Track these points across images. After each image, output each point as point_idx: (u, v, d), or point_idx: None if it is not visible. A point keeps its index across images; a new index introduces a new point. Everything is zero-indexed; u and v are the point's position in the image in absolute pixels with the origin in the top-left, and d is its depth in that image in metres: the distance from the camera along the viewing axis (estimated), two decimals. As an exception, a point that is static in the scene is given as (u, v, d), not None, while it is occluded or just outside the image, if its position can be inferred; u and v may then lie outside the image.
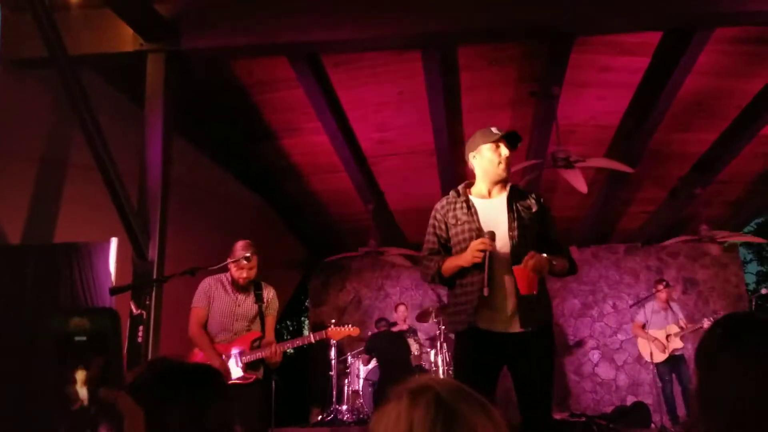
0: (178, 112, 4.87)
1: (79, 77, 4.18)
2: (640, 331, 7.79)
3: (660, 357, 7.53)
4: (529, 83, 6.04)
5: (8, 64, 4.67)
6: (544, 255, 2.84)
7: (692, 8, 4.46)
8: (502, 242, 2.93)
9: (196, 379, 1.52)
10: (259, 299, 4.47)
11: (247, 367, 4.32)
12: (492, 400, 2.86)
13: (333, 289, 10.93)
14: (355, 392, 8.15)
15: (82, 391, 2.31)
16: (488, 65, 5.81)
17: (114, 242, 4.43)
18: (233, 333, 4.37)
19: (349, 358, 8.42)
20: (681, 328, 7.55)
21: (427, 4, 4.57)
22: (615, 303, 10.33)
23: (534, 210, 3.06)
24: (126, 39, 4.63)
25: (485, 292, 2.81)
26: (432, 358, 8.13)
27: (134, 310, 3.96)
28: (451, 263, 3.00)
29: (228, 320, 4.38)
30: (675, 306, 7.95)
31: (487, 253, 2.83)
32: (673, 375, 7.54)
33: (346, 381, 8.31)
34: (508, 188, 3.12)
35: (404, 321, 8.57)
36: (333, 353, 8.74)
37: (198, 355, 4.36)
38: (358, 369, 8.17)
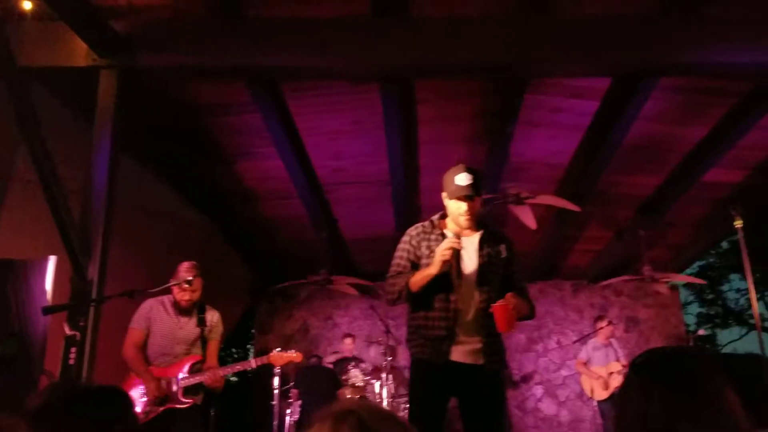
0: (129, 130, 4.78)
1: (27, 89, 4.07)
2: (583, 368, 7.89)
3: (602, 394, 7.62)
4: (483, 120, 6.14)
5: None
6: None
7: (639, 57, 4.60)
8: (469, 282, 3.06)
9: (100, 403, 1.46)
10: (201, 323, 4.39)
11: (186, 391, 4.21)
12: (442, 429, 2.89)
13: (280, 316, 10.77)
14: (297, 422, 7.99)
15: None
16: (446, 100, 5.90)
17: (52, 260, 4.28)
18: (173, 356, 4.28)
19: (292, 390, 8.28)
20: (623, 365, 7.66)
21: (387, 38, 4.61)
22: (559, 339, 10.45)
23: (503, 255, 3.17)
24: (79, 54, 4.53)
25: (453, 300, 2.99)
26: (377, 389, 8.05)
27: (67, 331, 3.82)
28: (420, 274, 3.04)
29: (168, 343, 4.28)
30: (615, 343, 8.08)
31: (454, 253, 2.95)
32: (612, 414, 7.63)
33: (288, 411, 8.15)
34: (480, 231, 3.20)
35: (350, 352, 8.50)
36: (276, 382, 8.57)
37: (133, 379, 4.23)
38: (300, 408, 8.02)
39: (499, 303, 2.89)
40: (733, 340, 31.05)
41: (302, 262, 9.20)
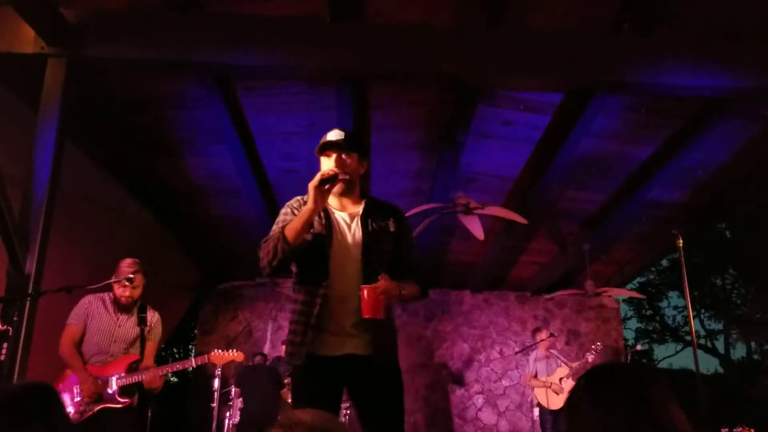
0: (76, 120, 4.65)
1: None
2: (534, 381, 7.91)
3: (558, 402, 7.65)
4: (437, 128, 6.19)
5: None
6: (395, 283, 2.61)
7: (589, 74, 4.70)
8: (351, 261, 2.71)
9: (26, 400, 1.41)
10: (141, 322, 4.31)
11: (122, 391, 4.12)
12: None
13: (224, 317, 10.61)
14: (237, 426, 7.88)
15: None
16: (399, 107, 5.92)
17: (-12, 251, 4.13)
18: (109, 355, 4.18)
19: (233, 390, 8.16)
20: (570, 367, 7.76)
21: (342, 40, 4.60)
22: (502, 349, 10.59)
23: (391, 230, 2.80)
24: (27, 40, 4.38)
25: (325, 285, 2.64)
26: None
27: (-1, 326, 3.69)
28: (297, 220, 2.62)
29: (105, 341, 4.18)
30: (556, 353, 8.21)
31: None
32: (554, 425, 7.71)
33: (228, 414, 8.03)
34: (363, 202, 2.85)
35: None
36: (216, 384, 8.43)
37: (69, 376, 4.12)
38: (241, 403, 7.92)
39: (367, 286, 2.56)
40: (669, 356, 32.05)
41: (249, 263, 9.06)
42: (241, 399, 7.67)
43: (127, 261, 4.24)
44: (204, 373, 8.38)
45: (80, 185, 5.66)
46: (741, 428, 7.05)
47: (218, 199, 7.65)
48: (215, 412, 8.15)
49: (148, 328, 4.34)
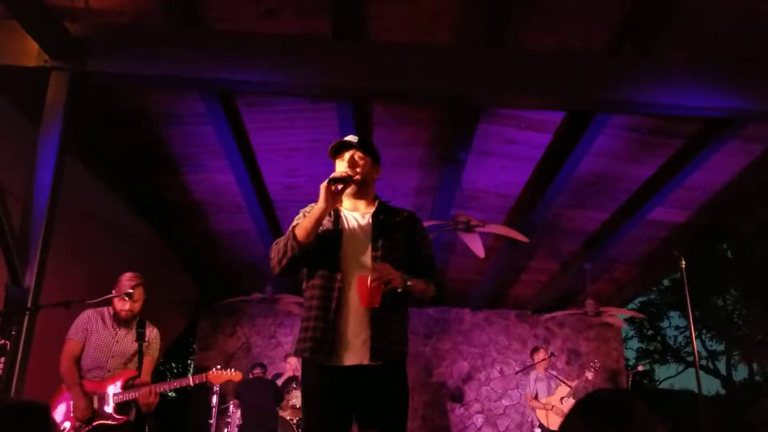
0: (78, 134, 4.66)
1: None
2: (535, 403, 7.87)
3: (558, 423, 7.59)
4: (437, 146, 6.20)
5: None
6: (397, 272, 2.55)
7: (592, 93, 4.71)
8: (364, 258, 2.66)
9: (18, 419, 1.40)
10: (140, 337, 4.29)
11: (119, 407, 4.09)
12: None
13: (222, 333, 10.58)
14: (236, 439, 7.83)
15: None
16: (400, 125, 5.93)
17: (-13, 264, 4.12)
18: (107, 370, 4.16)
19: (231, 406, 8.12)
20: (569, 386, 7.71)
21: (343, 58, 4.63)
22: (502, 368, 10.53)
23: (403, 229, 2.78)
24: (30, 53, 4.41)
25: (337, 288, 2.57)
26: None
27: (-3, 340, 3.67)
28: (307, 219, 2.62)
29: (103, 356, 4.16)
30: (554, 372, 8.16)
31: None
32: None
33: (226, 430, 7.98)
34: (376, 203, 2.84)
35: (293, 371, 8.38)
36: (215, 400, 8.39)
37: (64, 393, 4.09)
38: (239, 418, 7.87)
39: (362, 274, 2.54)
40: (670, 376, 31.88)
41: (248, 279, 9.08)
42: (239, 412, 7.60)
43: (128, 275, 4.23)
44: (202, 389, 8.33)
45: (81, 200, 5.66)
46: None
47: (219, 215, 7.65)
48: (213, 429, 8.11)
49: (146, 343, 4.32)
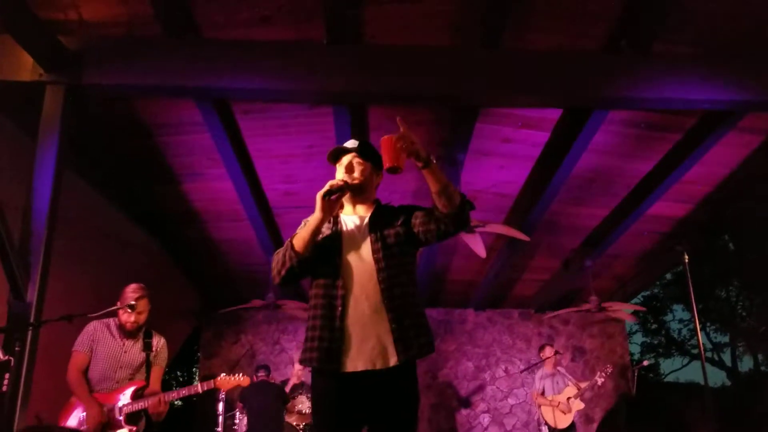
0: (75, 147, 4.66)
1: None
2: (541, 399, 7.88)
3: (565, 421, 7.61)
4: (435, 148, 6.19)
5: None
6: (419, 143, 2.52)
7: (591, 90, 4.71)
8: (366, 267, 2.61)
9: None
10: (147, 347, 4.29)
11: (128, 418, 4.08)
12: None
13: (226, 341, 10.58)
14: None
15: None
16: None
17: (-12, 280, 4.11)
18: (115, 381, 4.16)
19: (238, 414, 8.10)
20: (578, 388, 7.71)
21: (339, 63, 4.62)
22: (507, 367, 10.52)
23: (400, 222, 2.70)
24: (25, 68, 4.40)
25: (339, 295, 2.53)
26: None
27: (1, 356, 3.65)
28: (305, 229, 2.60)
29: (112, 367, 4.16)
30: (563, 370, 8.16)
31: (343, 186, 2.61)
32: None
33: (233, 437, 7.98)
34: (374, 206, 2.81)
35: (299, 378, 8.37)
36: (221, 408, 8.37)
37: (75, 404, 4.08)
38: (246, 424, 7.85)
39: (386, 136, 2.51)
40: (675, 370, 31.88)
41: (250, 286, 9.08)
42: (245, 417, 7.57)
43: (132, 287, 4.23)
44: (208, 397, 8.32)
45: (80, 213, 5.66)
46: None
47: (218, 223, 7.65)
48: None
49: (153, 353, 4.32)
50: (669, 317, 20.72)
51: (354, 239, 2.69)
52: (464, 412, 10.28)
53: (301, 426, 7.44)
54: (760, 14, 4.52)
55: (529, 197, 6.83)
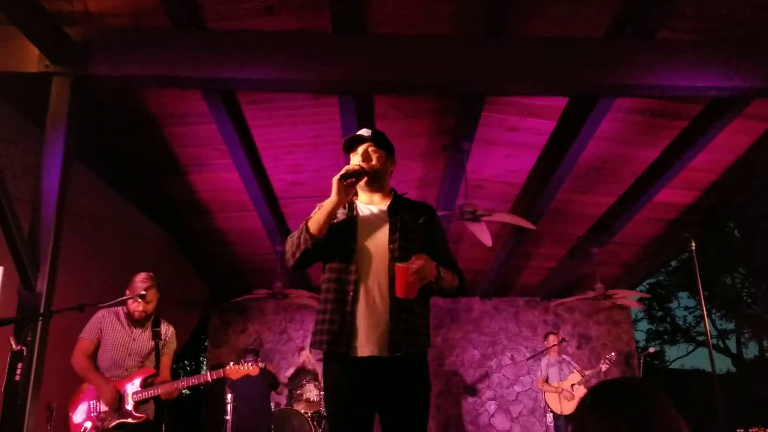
0: (82, 138, 4.67)
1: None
2: (545, 386, 7.94)
3: (569, 407, 7.66)
4: (441, 137, 6.20)
5: None
6: (434, 263, 2.53)
7: (596, 78, 4.70)
8: (380, 250, 2.63)
9: None
10: (156, 336, 4.32)
11: (138, 406, 4.12)
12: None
13: (234, 330, 10.63)
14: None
15: None
16: (403, 116, 5.93)
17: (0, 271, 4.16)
18: (125, 369, 4.18)
19: (228, 399, 8.09)
20: (582, 375, 7.76)
21: (344, 52, 4.63)
22: (513, 355, 10.55)
23: (420, 221, 2.74)
24: (31, 59, 4.41)
25: (352, 280, 2.55)
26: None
27: (14, 346, 3.69)
28: (320, 212, 2.60)
29: (121, 355, 4.19)
30: (568, 358, 8.20)
31: (360, 171, 2.62)
32: (569, 428, 7.71)
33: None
34: (392, 196, 2.83)
35: (306, 366, 8.41)
36: (229, 396, 8.43)
37: (85, 391, 4.11)
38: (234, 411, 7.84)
39: (401, 264, 2.47)
40: (680, 356, 31.88)
41: (257, 276, 9.13)
42: (234, 403, 7.57)
43: (141, 276, 4.25)
44: (216, 386, 8.38)
45: (89, 203, 5.69)
46: (756, 428, 6.99)
47: (225, 213, 7.67)
48: (229, 425, 8.13)
49: (162, 342, 4.35)
50: (674, 304, 20.76)
51: (371, 226, 2.71)
52: (470, 399, 10.33)
53: (310, 414, 7.48)
54: (767, 1, 4.49)
55: (536, 185, 6.83)
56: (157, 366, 4.30)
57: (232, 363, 4.86)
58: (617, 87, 4.81)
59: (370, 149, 2.77)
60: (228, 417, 7.96)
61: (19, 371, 3.78)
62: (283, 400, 8.44)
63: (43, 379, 3.99)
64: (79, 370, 4.15)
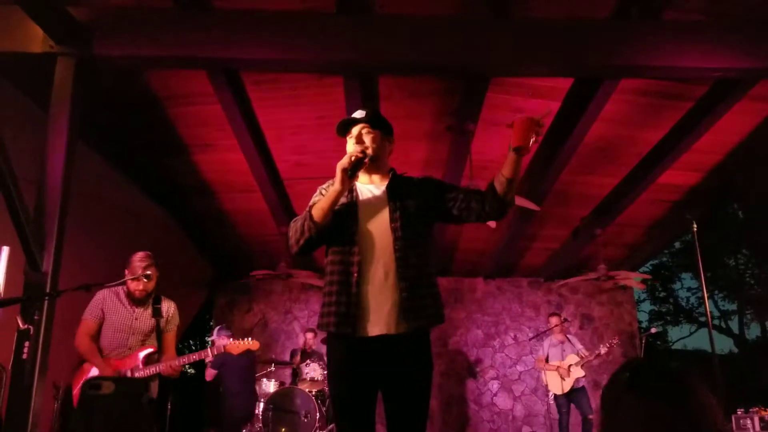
0: (86, 119, 4.68)
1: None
2: (544, 365, 8.01)
3: (560, 388, 7.75)
4: (446, 118, 6.18)
5: None
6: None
7: (601, 59, 4.68)
8: (383, 235, 2.64)
9: None
10: (157, 313, 4.35)
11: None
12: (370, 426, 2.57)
13: (239, 310, 10.70)
14: (254, 415, 7.94)
15: None
16: (408, 97, 5.91)
17: (5, 251, 4.18)
18: (128, 348, 4.24)
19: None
20: (581, 357, 7.81)
21: (350, 33, 4.61)
22: (516, 335, 10.61)
23: (419, 191, 2.77)
24: (35, 40, 4.41)
25: (356, 260, 2.58)
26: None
27: (21, 325, 3.73)
28: (324, 200, 2.62)
29: (124, 335, 4.23)
30: (573, 338, 8.24)
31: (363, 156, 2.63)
32: (572, 406, 7.78)
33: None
34: (390, 176, 2.84)
35: (311, 346, 8.47)
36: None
37: (88, 370, 4.16)
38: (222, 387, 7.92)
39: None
40: (683, 337, 31.97)
41: (261, 256, 9.16)
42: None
43: (140, 255, 4.28)
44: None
45: (94, 184, 5.71)
46: (757, 408, 7.04)
47: (230, 194, 7.69)
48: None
49: (164, 319, 4.38)
50: (677, 285, 20.80)
51: (371, 208, 2.72)
52: (473, 379, 10.41)
53: (314, 392, 7.55)
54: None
55: (540, 166, 6.82)
56: (159, 343, 4.34)
57: (232, 338, 4.90)
58: (623, 68, 4.78)
59: (364, 131, 2.78)
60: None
61: (26, 350, 3.83)
62: (287, 379, 8.51)
63: (49, 357, 4.05)
64: (81, 350, 4.20)
